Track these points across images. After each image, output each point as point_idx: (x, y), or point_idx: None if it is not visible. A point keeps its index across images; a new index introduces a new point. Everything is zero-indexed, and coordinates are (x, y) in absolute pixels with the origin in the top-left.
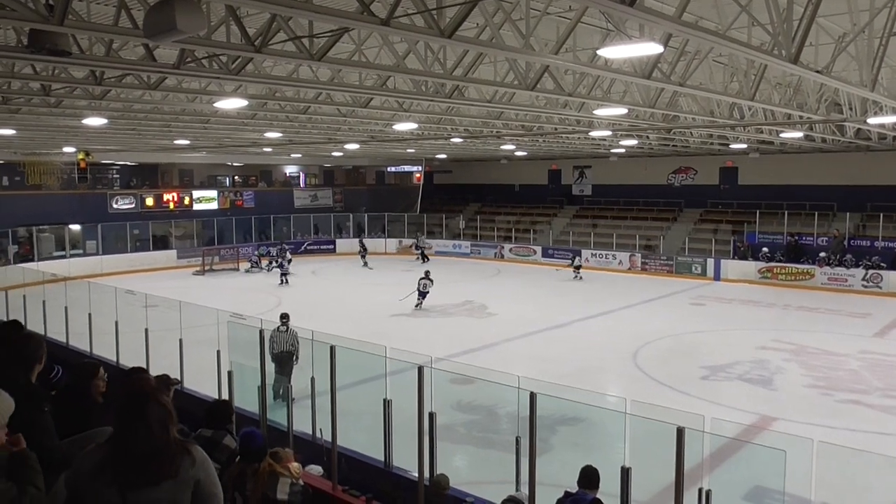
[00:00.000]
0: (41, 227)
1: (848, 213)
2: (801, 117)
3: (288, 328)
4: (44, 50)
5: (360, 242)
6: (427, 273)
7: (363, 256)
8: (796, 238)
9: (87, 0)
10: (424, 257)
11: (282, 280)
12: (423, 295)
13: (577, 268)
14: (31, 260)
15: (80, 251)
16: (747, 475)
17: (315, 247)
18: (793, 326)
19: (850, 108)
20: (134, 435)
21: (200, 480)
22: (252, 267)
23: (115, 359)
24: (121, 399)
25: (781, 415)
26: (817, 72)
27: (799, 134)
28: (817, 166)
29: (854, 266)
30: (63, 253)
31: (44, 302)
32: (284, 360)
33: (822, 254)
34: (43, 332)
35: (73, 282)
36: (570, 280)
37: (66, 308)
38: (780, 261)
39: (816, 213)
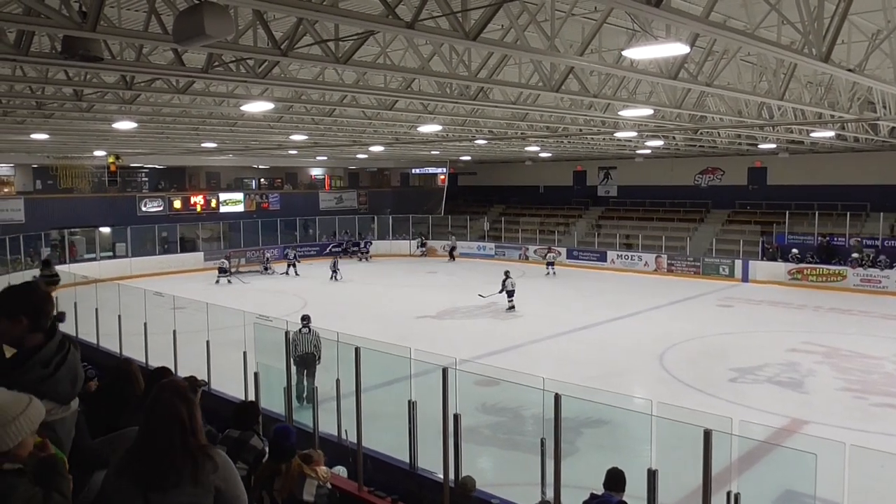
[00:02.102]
0: (73, 229)
1: (882, 214)
2: (832, 116)
3: (310, 330)
4: (77, 56)
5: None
6: (508, 273)
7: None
8: (828, 239)
9: (118, 6)
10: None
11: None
12: (511, 294)
13: (550, 264)
14: (74, 262)
15: (111, 253)
16: (777, 479)
17: (339, 249)
18: (824, 328)
19: (884, 107)
20: (160, 435)
21: (221, 487)
22: (266, 270)
23: (144, 360)
24: (151, 399)
25: (813, 418)
26: (849, 70)
27: (830, 133)
28: (849, 166)
29: (888, 267)
30: (94, 255)
31: (75, 304)
32: (308, 361)
33: (855, 255)
34: (74, 334)
35: (104, 284)
36: (541, 276)
37: (96, 310)
38: (810, 262)
39: (848, 213)
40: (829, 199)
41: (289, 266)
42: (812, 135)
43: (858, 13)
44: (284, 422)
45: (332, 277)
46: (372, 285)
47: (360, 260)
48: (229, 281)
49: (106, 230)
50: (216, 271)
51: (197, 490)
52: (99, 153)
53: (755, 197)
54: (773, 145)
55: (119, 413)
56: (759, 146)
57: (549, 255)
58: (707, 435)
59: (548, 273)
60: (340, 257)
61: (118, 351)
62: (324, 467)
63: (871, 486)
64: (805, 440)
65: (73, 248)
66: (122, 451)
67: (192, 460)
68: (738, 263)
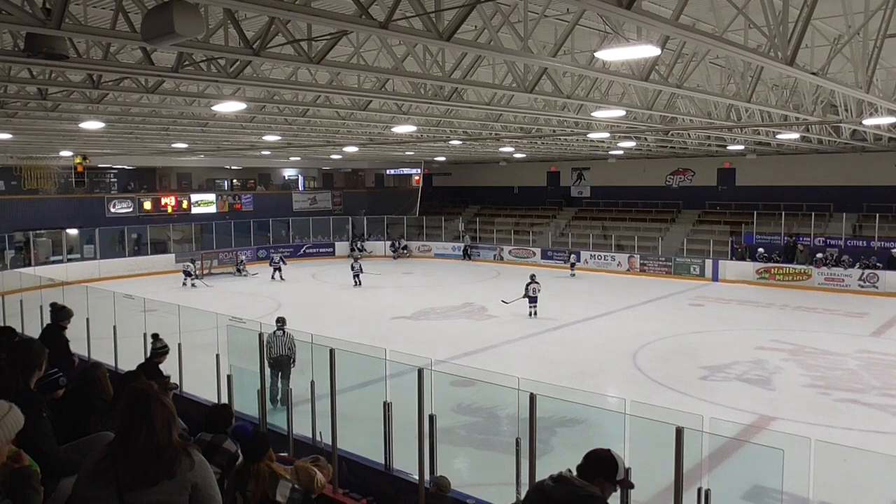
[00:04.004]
0: (38, 231)
1: (844, 214)
2: (797, 119)
3: (284, 332)
4: (41, 54)
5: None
6: (533, 276)
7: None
8: (794, 239)
9: (84, 4)
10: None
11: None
12: (533, 300)
13: (572, 265)
14: (39, 265)
15: (78, 255)
16: (746, 474)
17: (314, 250)
18: (791, 326)
19: (846, 110)
20: (137, 436)
21: (198, 484)
22: (239, 272)
23: (113, 364)
24: (124, 401)
25: (780, 414)
26: (813, 73)
27: (795, 135)
28: (814, 167)
29: (851, 266)
30: (60, 258)
31: (41, 307)
32: (283, 363)
33: (819, 255)
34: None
35: (71, 286)
36: (566, 279)
37: None
38: (777, 261)
39: (813, 213)
40: (794, 200)
41: (274, 270)
42: (778, 136)
43: (821, 18)
44: (258, 425)
45: (355, 283)
46: (347, 287)
47: (395, 258)
48: (194, 285)
49: (73, 232)
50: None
51: (173, 487)
52: (65, 153)
53: (724, 197)
54: (742, 147)
55: (87, 418)
56: (728, 147)
57: (571, 256)
58: (679, 433)
59: (572, 274)
60: (359, 258)
61: (86, 355)
62: (320, 476)
63: (835, 480)
64: (772, 436)
65: (35, 250)
66: (96, 456)
67: (169, 458)
68: (709, 263)
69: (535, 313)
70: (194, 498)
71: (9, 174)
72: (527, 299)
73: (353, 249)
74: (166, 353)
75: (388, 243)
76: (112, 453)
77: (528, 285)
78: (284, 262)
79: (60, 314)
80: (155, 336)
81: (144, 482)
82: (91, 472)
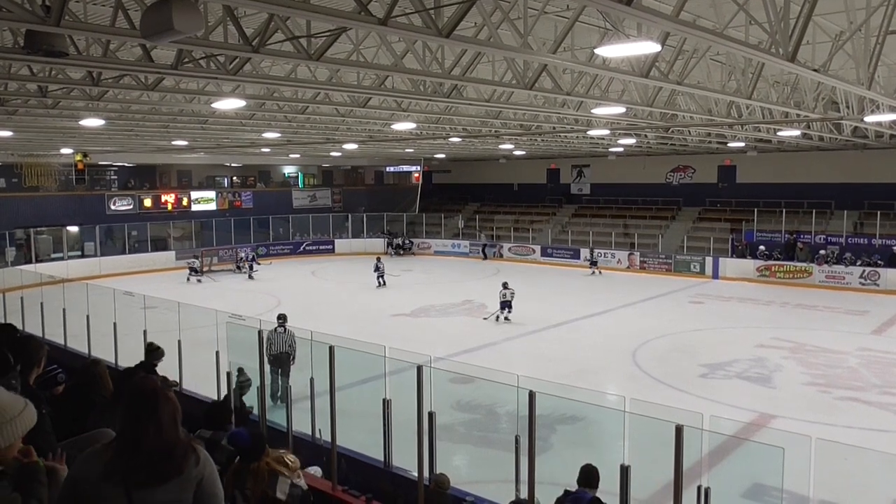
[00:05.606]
0: (39, 228)
1: (846, 211)
2: (798, 115)
3: (285, 329)
4: (41, 51)
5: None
6: (505, 284)
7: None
8: (794, 236)
9: (83, 1)
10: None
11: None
12: (506, 305)
13: (594, 262)
14: (40, 262)
15: (79, 253)
16: (746, 473)
17: (314, 247)
18: (791, 324)
19: (847, 107)
20: (145, 434)
21: (203, 479)
22: (240, 269)
23: (113, 361)
24: (129, 398)
25: (780, 412)
26: (814, 70)
27: (796, 132)
28: (815, 164)
29: (852, 264)
30: (61, 255)
31: (41, 304)
32: (283, 360)
33: (822, 252)
34: (41, 335)
35: (71, 283)
36: (581, 278)
37: (63, 310)
38: (777, 259)
39: (814, 211)
40: (795, 197)
41: (249, 268)
42: (779, 133)
43: (822, 14)
44: (257, 421)
45: (379, 284)
46: (346, 284)
47: (402, 254)
48: (199, 280)
49: (74, 229)
50: (187, 270)
51: (181, 484)
52: (66, 151)
53: (725, 195)
54: (742, 144)
55: (86, 415)
56: (729, 144)
57: (594, 253)
58: (678, 430)
59: (593, 273)
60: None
61: (86, 351)
62: (291, 456)
63: (836, 478)
64: (773, 434)
65: (25, 248)
66: (103, 456)
67: (179, 455)
68: (709, 260)
69: (507, 318)
70: (199, 493)
71: (9, 172)
72: (507, 308)
73: (397, 247)
74: (250, 386)
75: (404, 243)
76: (118, 452)
77: (500, 293)
78: (257, 262)
79: (154, 354)
80: (240, 370)
81: (157, 480)
82: (99, 473)
